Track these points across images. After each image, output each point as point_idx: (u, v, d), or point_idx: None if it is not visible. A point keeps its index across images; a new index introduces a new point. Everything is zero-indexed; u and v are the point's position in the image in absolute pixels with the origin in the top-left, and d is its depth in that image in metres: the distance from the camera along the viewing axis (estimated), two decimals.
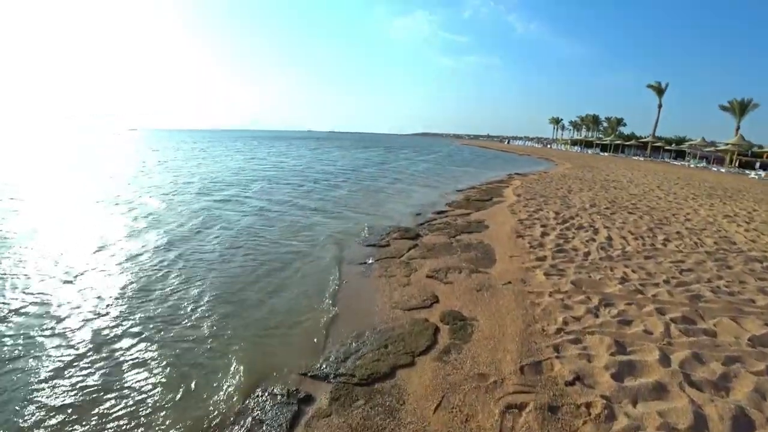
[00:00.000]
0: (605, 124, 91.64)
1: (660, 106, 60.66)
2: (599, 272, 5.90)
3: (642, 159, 54.88)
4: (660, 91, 60.44)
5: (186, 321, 4.65)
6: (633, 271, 5.96)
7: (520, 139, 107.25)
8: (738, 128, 54.47)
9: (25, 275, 5.85)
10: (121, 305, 4.97)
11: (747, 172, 37.32)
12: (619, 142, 65.67)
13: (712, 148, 50.71)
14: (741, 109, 53.91)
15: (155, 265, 6.37)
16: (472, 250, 7.03)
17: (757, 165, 38.55)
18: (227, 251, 7.17)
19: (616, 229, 8.63)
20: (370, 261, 6.64)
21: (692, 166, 45.15)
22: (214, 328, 4.50)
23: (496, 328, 4.32)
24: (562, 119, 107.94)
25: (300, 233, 8.46)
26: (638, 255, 6.82)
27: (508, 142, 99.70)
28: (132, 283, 5.67)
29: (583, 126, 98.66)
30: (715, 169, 41.24)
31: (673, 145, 60.64)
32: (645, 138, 63.26)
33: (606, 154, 63.71)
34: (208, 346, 4.15)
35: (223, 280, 5.84)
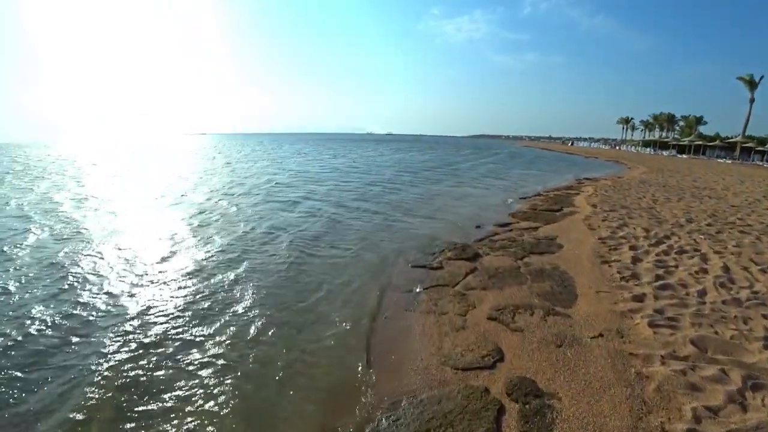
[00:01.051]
0: (682, 123, 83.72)
1: (752, 100, 53.84)
2: (728, 325, 4.33)
3: (729, 161, 49.01)
4: (752, 84, 53.61)
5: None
6: None
7: (585, 140, 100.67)
8: None
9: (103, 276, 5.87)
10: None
11: None
12: (699, 142, 59.35)
13: None
14: None
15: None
16: (545, 278, 5.64)
17: None
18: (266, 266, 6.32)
19: (731, 255, 6.81)
20: (418, 289, 5.47)
21: None
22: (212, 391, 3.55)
23: (589, 417, 3.00)
24: (632, 119, 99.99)
25: (350, 244, 7.50)
26: None
27: (572, 144, 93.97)
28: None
29: (657, 126, 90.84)
30: None
31: (767, 145, 53.75)
32: (733, 138, 56.61)
33: (684, 156, 57.79)
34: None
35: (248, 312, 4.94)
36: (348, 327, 4.51)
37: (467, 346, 4.00)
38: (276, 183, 17.02)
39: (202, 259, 6.72)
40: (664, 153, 63.19)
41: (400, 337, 4.31)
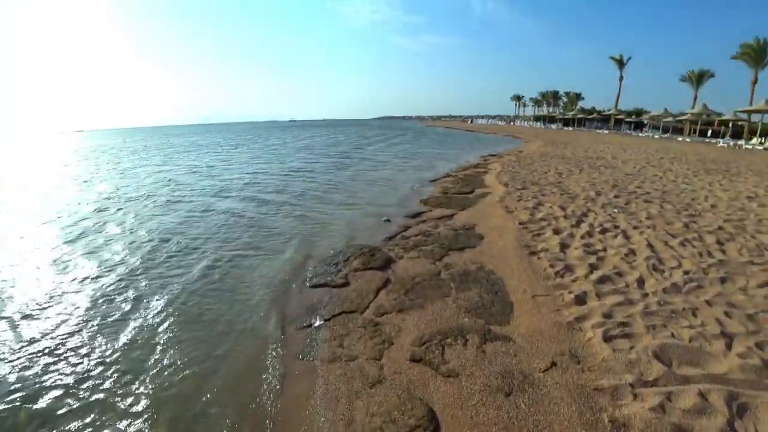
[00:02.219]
0: (565, 99, 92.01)
1: (621, 78, 60.42)
2: (680, 322, 3.69)
3: (606, 132, 54.53)
4: (621, 63, 60.08)
5: None
6: (730, 317, 3.79)
7: (483, 117, 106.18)
8: (695, 98, 54.99)
9: None
10: None
11: (715, 140, 37.06)
12: (581, 116, 65.40)
13: (671, 119, 50.85)
14: (698, 79, 54.32)
15: None
16: (471, 284, 4.66)
17: (728, 134, 38.36)
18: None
19: (648, 229, 6.50)
20: (318, 322, 4.14)
21: (656, 137, 44.88)
22: None
23: None
24: (523, 96, 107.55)
25: (238, 260, 5.85)
26: (709, 278, 4.66)
27: (472, 121, 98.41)
28: None
29: (544, 102, 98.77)
30: (680, 138, 40.97)
31: (633, 117, 60.83)
32: (607, 111, 63.14)
33: (569, 128, 63.24)
34: None
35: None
36: (219, 412, 3.06)
37: (388, 412, 2.79)
38: (168, 183, 14.39)
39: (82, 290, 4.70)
40: (553, 126, 68.62)
41: (293, 413, 2.96)
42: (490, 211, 7.87)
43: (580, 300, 4.14)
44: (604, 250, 5.53)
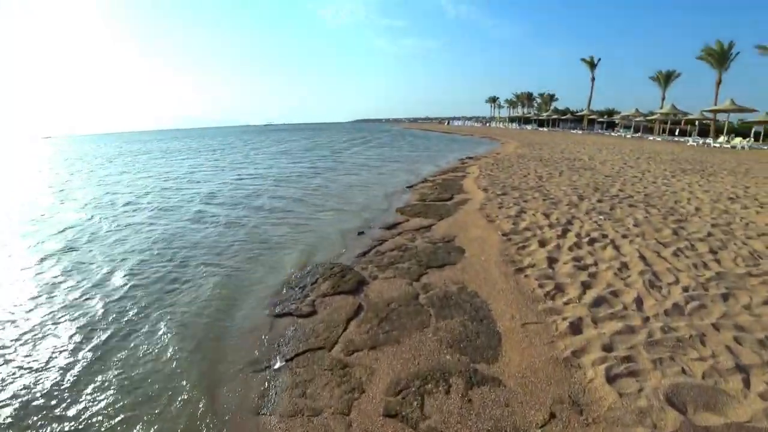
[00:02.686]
0: (539, 101, 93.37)
1: (593, 79, 61.53)
2: (689, 353, 3.27)
3: (580, 132, 55.36)
4: (592, 65, 61.19)
5: None
6: (741, 344, 3.39)
7: (460, 119, 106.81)
8: (664, 98, 56.47)
9: None
10: None
11: (684, 139, 37.90)
12: (555, 116, 66.35)
13: (641, 118, 52.01)
14: (666, 79, 55.78)
15: None
16: (453, 310, 4.13)
17: (695, 133, 39.30)
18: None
19: (637, 237, 6.14)
20: (278, 364, 3.54)
21: (628, 136, 45.73)
22: None
23: None
24: (498, 98, 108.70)
25: (195, 281, 5.15)
26: (710, 295, 4.28)
27: (448, 123, 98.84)
28: None
29: (519, 103, 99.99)
30: (651, 138, 41.84)
31: (605, 117, 62.06)
32: (580, 112, 64.22)
33: (544, 129, 64.03)
34: None
35: None
36: None
37: None
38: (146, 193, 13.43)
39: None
40: (528, 127, 69.39)
41: None
42: (470, 221, 7.40)
43: (576, 328, 3.67)
44: (595, 264, 5.10)
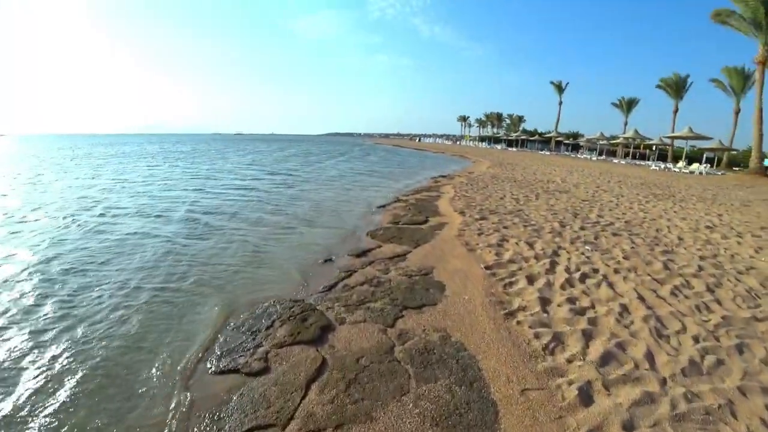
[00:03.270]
0: (508, 121, 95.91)
1: (560, 103, 63.58)
2: (722, 430, 2.66)
3: (548, 153, 56.75)
4: (560, 88, 63.29)
5: None
6: None
7: (431, 136, 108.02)
8: (626, 123, 58.93)
9: None
10: None
11: (645, 163, 39.26)
12: (524, 137, 67.94)
13: (605, 142, 53.94)
14: (628, 105, 58.27)
15: None
16: (436, 369, 3.41)
17: (653, 157, 40.77)
18: None
19: (630, 273, 5.67)
20: None
21: (594, 159, 47.07)
22: None
23: None
24: (469, 117, 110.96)
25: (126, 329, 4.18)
26: (724, 348, 3.76)
27: (419, 140, 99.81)
28: None
29: (488, 123, 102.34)
30: (616, 161, 43.14)
31: (571, 139, 64.07)
32: (549, 134, 66.01)
33: (513, 149, 65.34)
34: None
35: None
36: None
37: None
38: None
39: None
40: (498, 146, 70.70)
41: None
42: (448, 249, 6.74)
43: (586, 396, 3.02)
44: (593, 306, 4.53)
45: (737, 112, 42.56)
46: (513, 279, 5.30)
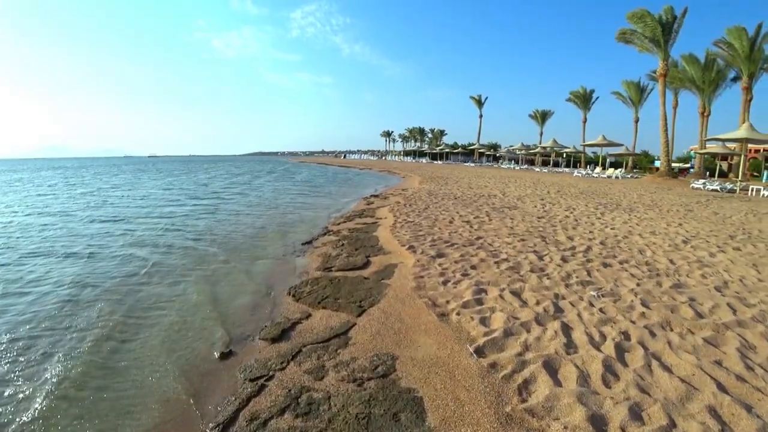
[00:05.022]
0: (430, 135, 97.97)
1: (481, 116, 65.60)
2: None
3: (472, 165, 57.75)
4: (480, 102, 65.34)
5: None
6: None
7: (356, 153, 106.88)
8: (541, 133, 62.11)
9: None
10: None
11: (562, 170, 40.77)
12: (448, 150, 68.99)
13: (524, 152, 56.21)
14: (543, 117, 61.50)
15: None
16: None
17: (590, 165, 42.48)
18: None
19: (666, 331, 3.99)
20: None
21: (517, 168, 48.36)
22: None
23: None
24: (392, 132, 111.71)
25: None
26: None
27: (344, 157, 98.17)
28: None
29: (411, 138, 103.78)
30: (537, 169, 44.51)
31: (492, 150, 66.23)
32: (471, 146, 67.66)
33: (438, 162, 65.93)
34: None
35: None
36: None
37: None
38: None
39: None
40: (422, 160, 71.07)
41: None
42: (409, 315, 4.62)
43: None
44: (673, 423, 2.66)
45: (636, 120, 46.30)
46: (524, 372, 3.31)
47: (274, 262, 7.60)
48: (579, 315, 4.36)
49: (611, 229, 9.17)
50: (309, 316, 4.83)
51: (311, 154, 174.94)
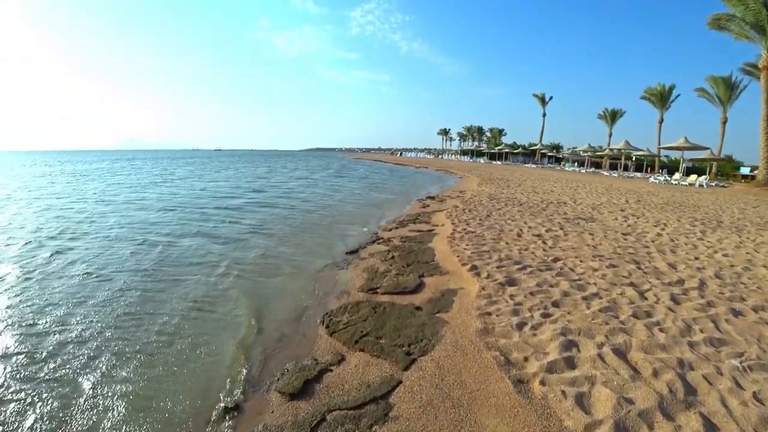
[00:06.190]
0: (488, 134, 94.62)
1: (544, 114, 61.98)
2: None
3: (533, 166, 54.64)
4: (543, 100, 61.75)
5: None
6: None
7: (412, 150, 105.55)
8: (611, 134, 57.55)
9: None
10: None
11: (635, 175, 37.14)
12: (507, 150, 65.96)
13: (590, 153, 52.20)
14: (612, 116, 56.95)
15: None
16: None
17: (664, 170, 38.70)
18: None
19: None
20: None
21: (582, 171, 44.96)
22: None
23: None
24: (450, 130, 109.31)
25: None
26: None
27: (401, 154, 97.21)
28: None
29: (469, 136, 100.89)
30: (607, 173, 41.07)
31: (554, 151, 62.47)
32: (533, 146, 64.28)
33: (497, 162, 63.19)
34: None
35: None
36: None
37: None
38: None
39: None
40: (480, 160, 68.53)
41: None
42: (472, 377, 3.46)
43: None
44: None
45: (724, 122, 41.17)
46: None
47: (313, 275, 6.70)
48: (723, 401, 3.00)
49: (723, 255, 7.39)
50: (342, 360, 3.83)
51: (368, 150, 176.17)
